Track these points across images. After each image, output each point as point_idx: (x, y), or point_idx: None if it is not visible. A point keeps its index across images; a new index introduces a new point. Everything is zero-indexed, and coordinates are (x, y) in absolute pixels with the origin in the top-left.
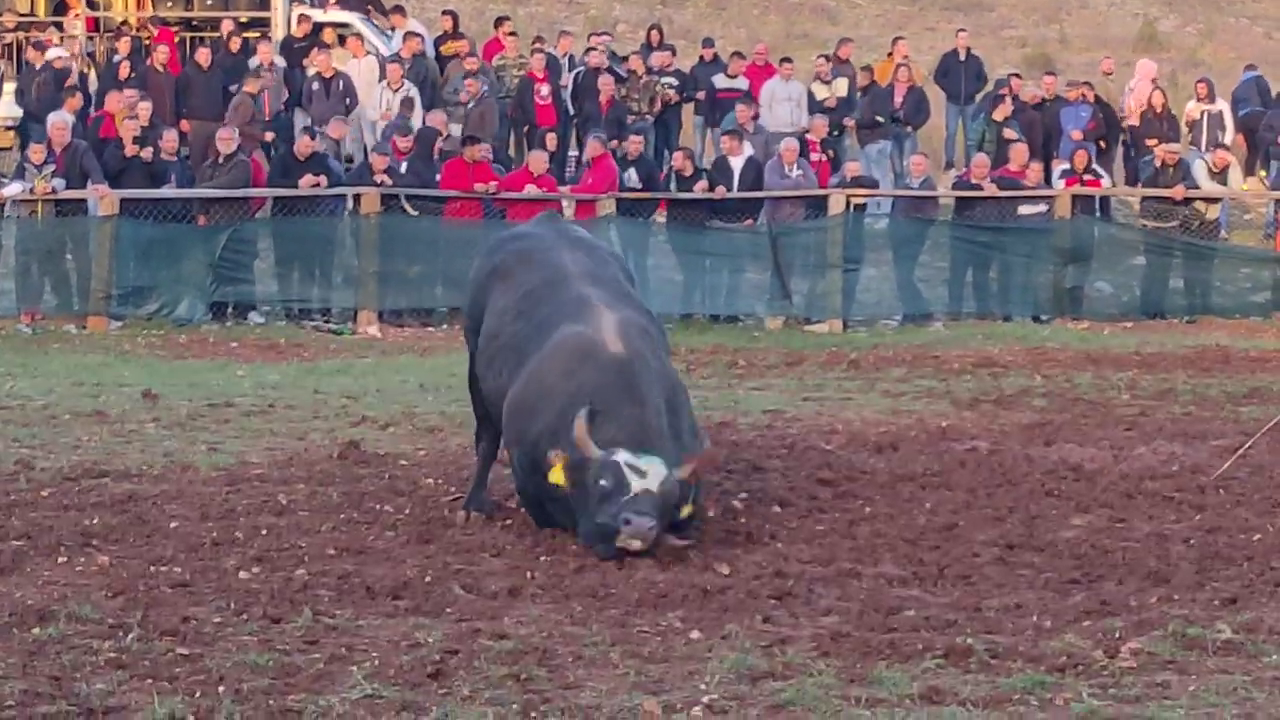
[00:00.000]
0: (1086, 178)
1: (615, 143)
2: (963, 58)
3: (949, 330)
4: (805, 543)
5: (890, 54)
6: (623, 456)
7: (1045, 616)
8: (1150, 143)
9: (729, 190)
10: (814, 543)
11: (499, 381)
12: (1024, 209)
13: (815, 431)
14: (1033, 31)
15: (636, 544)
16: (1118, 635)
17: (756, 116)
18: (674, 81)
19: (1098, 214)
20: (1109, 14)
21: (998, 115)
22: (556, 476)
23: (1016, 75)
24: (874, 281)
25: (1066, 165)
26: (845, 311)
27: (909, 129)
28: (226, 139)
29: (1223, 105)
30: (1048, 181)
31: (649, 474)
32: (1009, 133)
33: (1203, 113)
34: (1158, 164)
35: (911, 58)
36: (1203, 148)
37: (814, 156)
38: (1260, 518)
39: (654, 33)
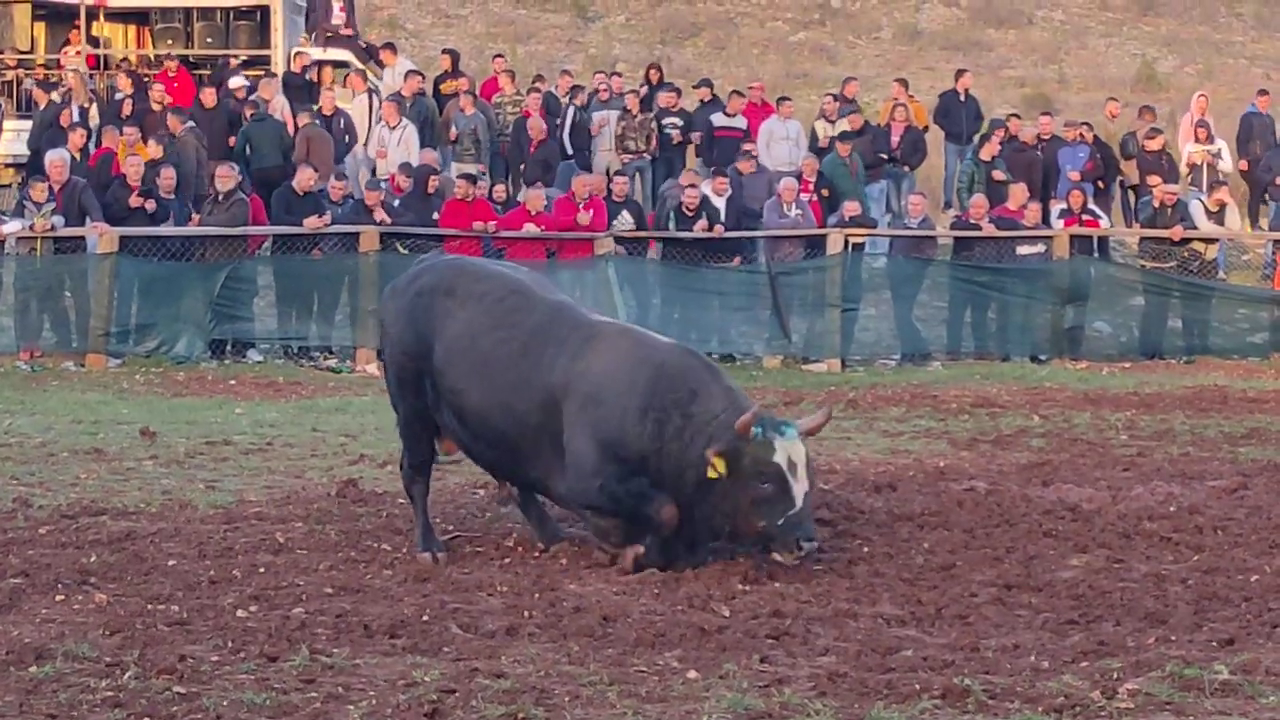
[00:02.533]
0: (1085, 218)
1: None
2: (962, 98)
3: (947, 370)
4: (803, 582)
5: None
6: (784, 454)
7: (1043, 657)
8: (1151, 182)
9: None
10: (812, 582)
11: (490, 394)
12: (1022, 249)
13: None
14: (1031, 72)
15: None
16: (1115, 676)
17: (755, 156)
18: (679, 121)
19: (1096, 254)
20: (1108, 54)
21: (985, 155)
22: (718, 468)
23: (1015, 115)
24: (872, 321)
25: (1064, 205)
26: (844, 351)
27: (906, 169)
28: (225, 176)
29: (1221, 145)
30: (1046, 222)
31: (799, 466)
32: (997, 173)
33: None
34: (1156, 204)
35: (914, 97)
36: (1201, 188)
37: (804, 196)
38: (1258, 558)
39: (653, 72)
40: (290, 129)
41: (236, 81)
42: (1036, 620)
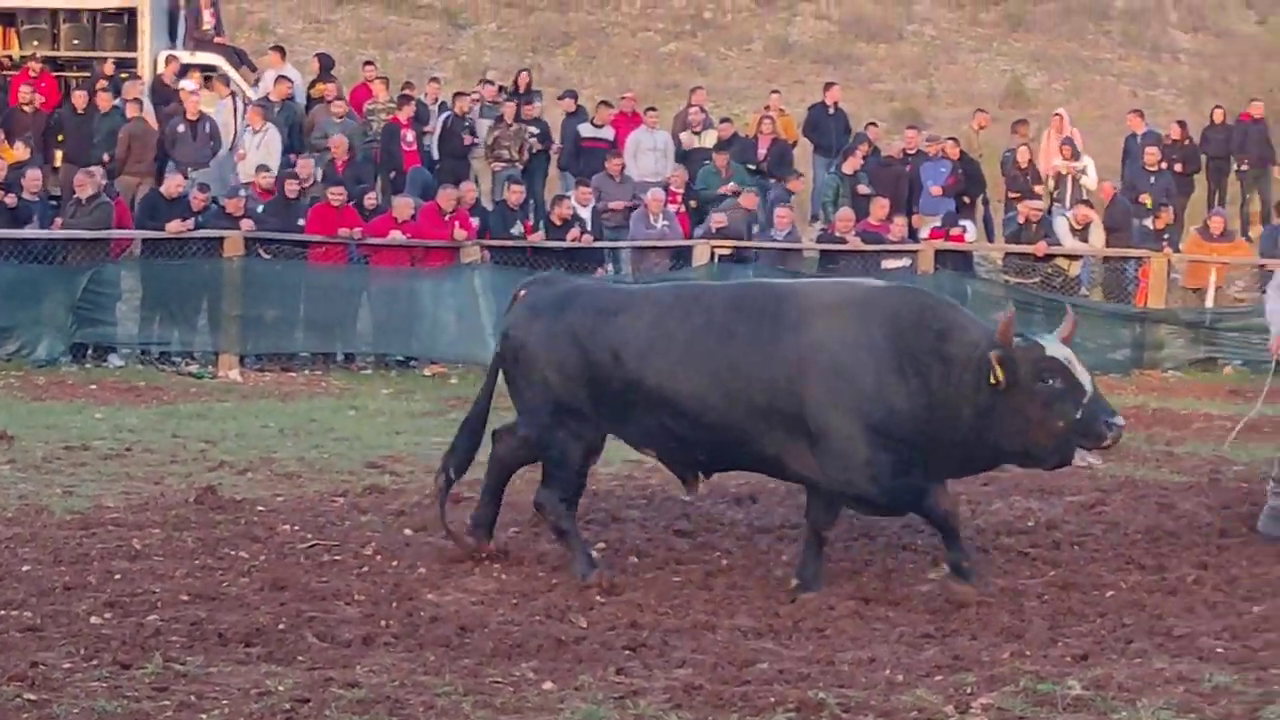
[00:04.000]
0: (952, 232)
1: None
2: (831, 111)
3: None
4: (661, 594)
5: (767, 105)
6: (1055, 349)
7: (898, 670)
8: (1014, 198)
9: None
10: (670, 594)
11: (704, 380)
12: (888, 263)
13: (675, 483)
14: (901, 86)
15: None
16: (969, 690)
17: (623, 167)
18: (535, 130)
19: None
20: (977, 70)
21: (847, 169)
22: (999, 372)
23: (874, 124)
24: None
25: (934, 221)
26: None
27: (773, 181)
28: (83, 183)
29: (1087, 162)
30: (911, 236)
31: (1075, 360)
32: (861, 187)
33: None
34: (1021, 220)
35: (785, 110)
36: (1066, 205)
37: (671, 208)
38: (1114, 574)
39: (522, 77)
40: (158, 133)
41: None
42: (893, 634)
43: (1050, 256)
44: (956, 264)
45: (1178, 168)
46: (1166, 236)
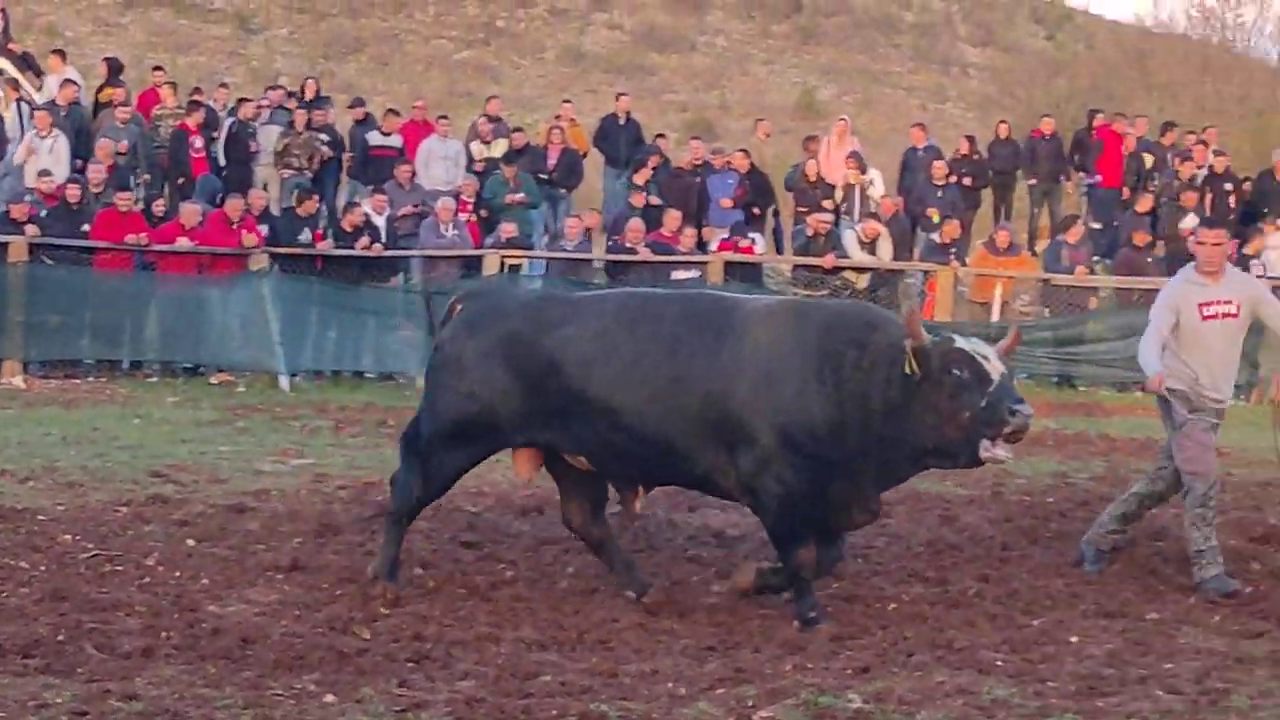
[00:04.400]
0: (741, 244)
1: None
2: (622, 121)
3: None
4: (446, 606)
5: (558, 115)
6: (963, 342)
7: (680, 684)
8: (802, 211)
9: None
10: (455, 606)
11: (643, 393)
12: (677, 274)
13: (462, 493)
14: (694, 97)
15: (1023, 429)
16: (750, 703)
17: (413, 175)
18: (325, 137)
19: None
20: (769, 81)
21: (638, 179)
22: (912, 364)
23: (662, 136)
24: None
25: (723, 232)
26: None
27: (562, 191)
28: None
29: (875, 174)
30: (701, 248)
31: (990, 355)
32: (651, 198)
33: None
34: (810, 232)
35: (576, 120)
36: (855, 218)
37: (462, 216)
38: (896, 587)
39: (309, 85)
40: None
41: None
42: (676, 646)
43: (839, 269)
44: (746, 276)
45: (965, 182)
46: (953, 250)
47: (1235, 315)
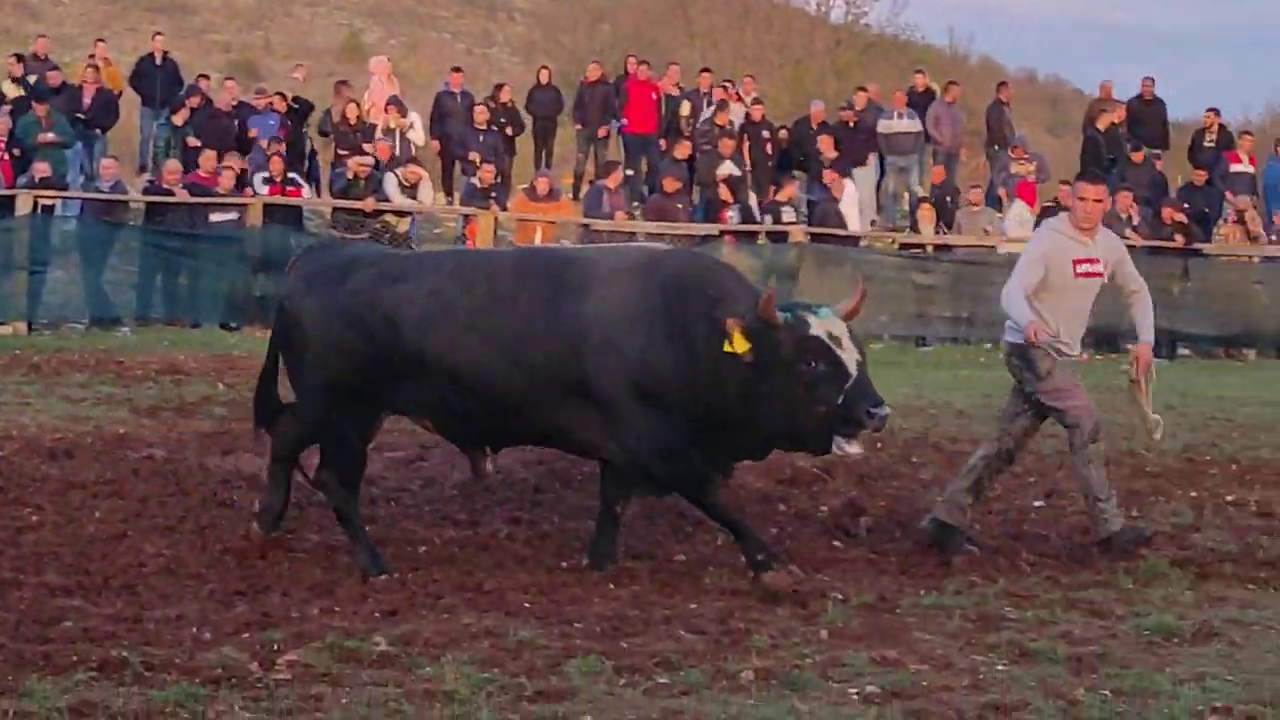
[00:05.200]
0: (288, 188)
1: None
2: (159, 61)
3: (136, 336)
4: None
5: (92, 54)
6: (822, 326)
7: (205, 628)
8: (343, 153)
9: None
10: None
11: (486, 350)
12: (216, 216)
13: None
14: (237, 37)
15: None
16: (276, 647)
17: None
18: None
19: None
20: (314, 23)
21: (178, 120)
22: (740, 345)
23: (205, 76)
24: (61, 284)
25: (265, 174)
26: (31, 314)
27: (98, 131)
28: None
29: (415, 118)
30: (241, 189)
31: (844, 340)
32: (192, 140)
33: (396, 127)
34: (350, 176)
35: (113, 59)
36: (396, 162)
37: None
38: (427, 530)
39: None
40: None
41: None
42: (204, 591)
43: (380, 212)
44: (287, 219)
45: (508, 130)
46: (494, 195)
47: (1101, 275)
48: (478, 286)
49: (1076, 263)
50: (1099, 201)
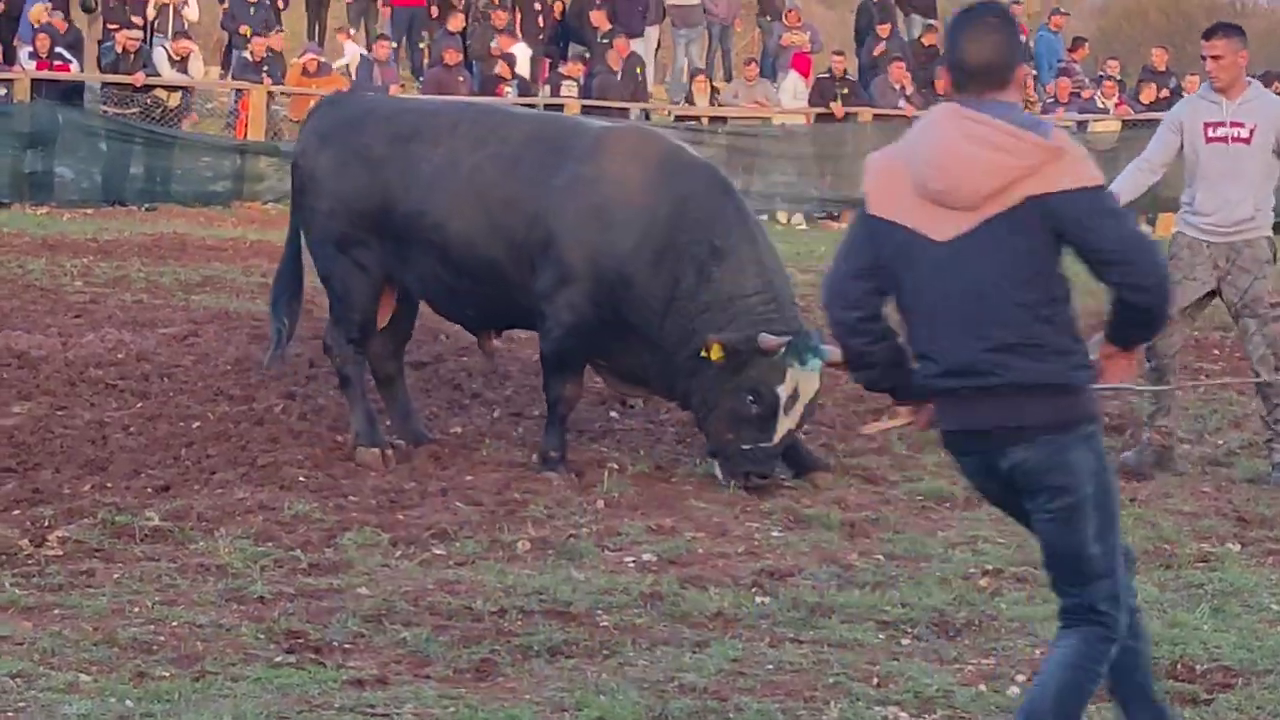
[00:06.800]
0: (56, 63)
1: None
2: None
3: None
4: None
5: None
6: (788, 382)
7: None
8: (112, 28)
9: None
10: None
11: (478, 218)
12: None
13: None
14: None
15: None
16: (47, 523)
17: None
18: None
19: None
20: None
21: None
22: (715, 355)
23: None
24: None
25: (30, 49)
26: None
27: None
28: None
29: None
30: (8, 63)
31: (798, 403)
32: None
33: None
34: (119, 50)
35: None
36: (168, 36)
37: None
38: (202, 405)
39: None
40: None
41: None
42: None
43: (150, 88)
44: (56, 95)
45: (280, 2)
46: (265, 69)
47: (1245, 141)
48: (488, 147)
49: (1208, 126)
50: (1217, 58)
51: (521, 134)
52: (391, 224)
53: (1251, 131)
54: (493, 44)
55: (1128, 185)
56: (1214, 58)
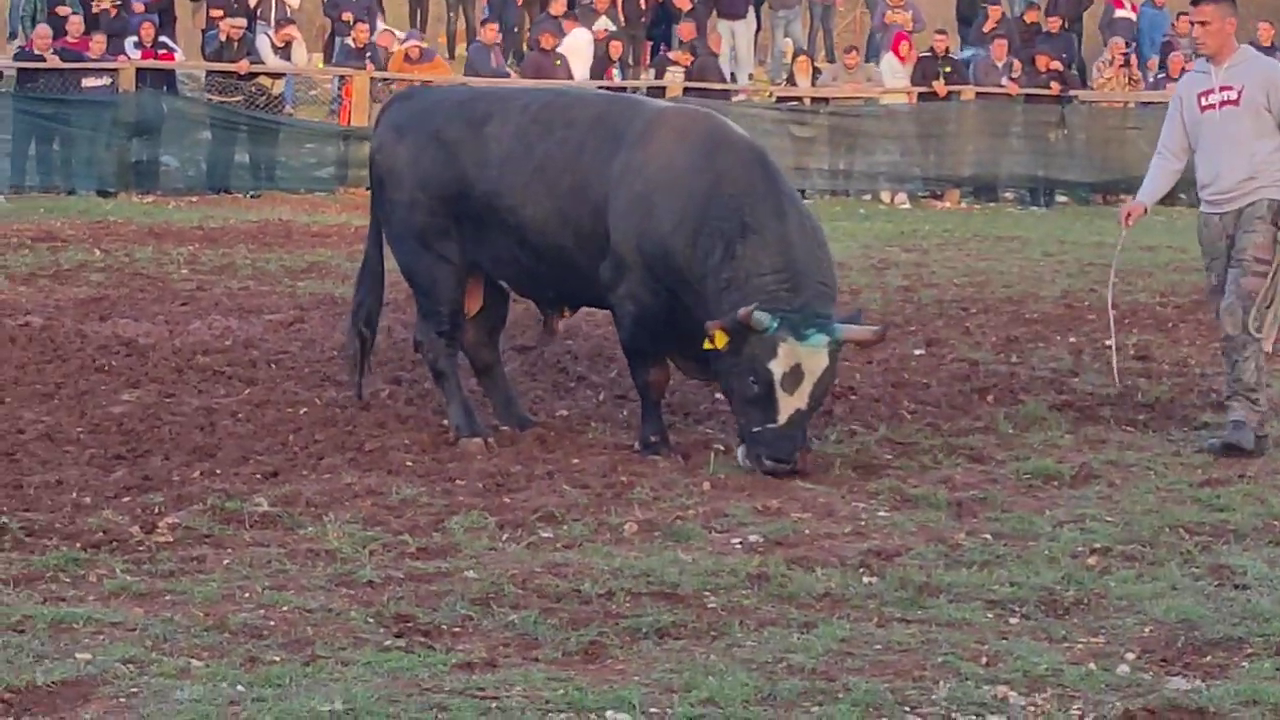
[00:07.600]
0: (160, 52)
1: None
2: None
3: (12, 204)
4: None
5: None
6: (782, 358)
7: (86, 493)
8: (216, 16)
9: None
10: None
11: (548, 202)
12: (88, 81)
13: None
14: None
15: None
16: (157, 510)
17: None
18: None
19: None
20: None
21: None
22: (719, 342)
23: None
24: None
25: (135, 38)
26: None
27: None
28: None
29: None
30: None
31: (802, 380)
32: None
33: None
34: (223, 38)
35: None
36: (270, 24)
37: None
38: (309, 391)
39: None
40: None
41: None
42: (84, 456)
43: (253, 75)
44: (159, 83)
45: None
46: (369, 54)
47: (1234, 104)
48: (557, 132)
49: (1201, 96)
50: (1205, 24)
51: (587, 119)
52: (469, 208)
53: (1239, 92)
54: (594, 26)
55: (1155, 183)
56: (1201, 24)
